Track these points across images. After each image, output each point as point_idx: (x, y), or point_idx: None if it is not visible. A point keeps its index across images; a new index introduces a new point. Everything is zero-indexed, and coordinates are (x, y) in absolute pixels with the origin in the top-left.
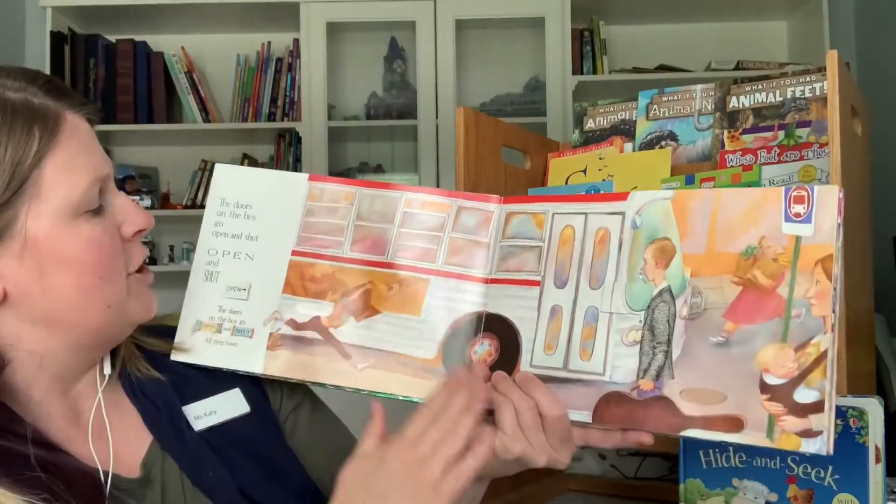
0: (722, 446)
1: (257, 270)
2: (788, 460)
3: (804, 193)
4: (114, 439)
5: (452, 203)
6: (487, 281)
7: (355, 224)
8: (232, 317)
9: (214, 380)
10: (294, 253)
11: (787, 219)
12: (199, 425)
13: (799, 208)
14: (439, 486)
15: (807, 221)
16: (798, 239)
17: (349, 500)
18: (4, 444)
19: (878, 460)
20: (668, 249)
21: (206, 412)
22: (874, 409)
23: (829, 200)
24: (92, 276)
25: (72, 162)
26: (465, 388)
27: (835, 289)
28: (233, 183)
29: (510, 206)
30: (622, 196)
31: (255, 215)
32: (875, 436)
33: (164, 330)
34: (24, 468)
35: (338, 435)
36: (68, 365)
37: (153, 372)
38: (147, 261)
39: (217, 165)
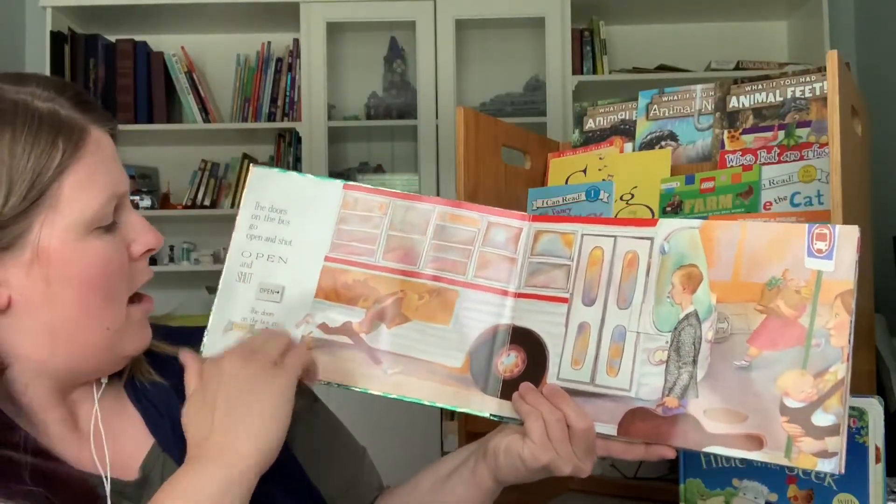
0: None
1: (290, 274)
2: None
3: (826, 231)
4: (115, 443)
5: (482, 218)
6: (515, 295)
7: (388, 234)
8: (264, 318)
9: None
10: (327, 259)
11: (810, 254)
12: None
13: (821, 245)
14: (278, 363)
15: (828, 258)
16: (820, 273)
17: (200, 433)
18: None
19: (878, 460)
20: (696, 276)
21: None
22: (874, 409)
23: (849, 239)
24: (96, 295)
25: (92, 177)
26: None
27: (851, 321)
28: (269, 186)
29: (539, 225)
30: (651, 222)
31: (289, 220)
32: (875, 436)
33: (166, 331)
34: (19, 477)
35: (339, 437)
36: (65, 380)
37: (155, 376)
38: (151, 260)
39: (253, 168)
